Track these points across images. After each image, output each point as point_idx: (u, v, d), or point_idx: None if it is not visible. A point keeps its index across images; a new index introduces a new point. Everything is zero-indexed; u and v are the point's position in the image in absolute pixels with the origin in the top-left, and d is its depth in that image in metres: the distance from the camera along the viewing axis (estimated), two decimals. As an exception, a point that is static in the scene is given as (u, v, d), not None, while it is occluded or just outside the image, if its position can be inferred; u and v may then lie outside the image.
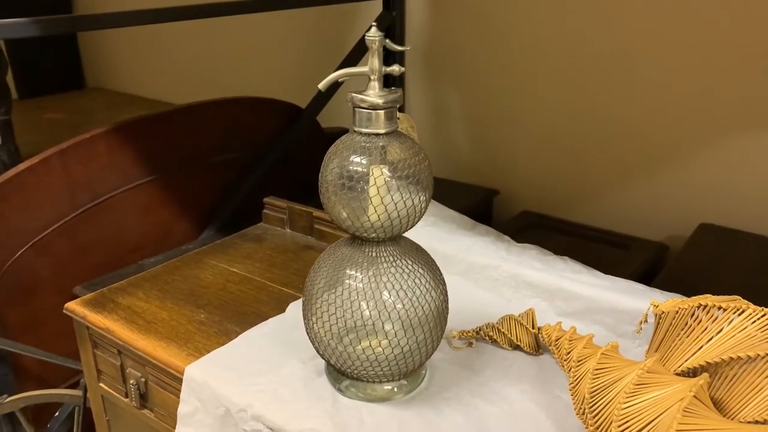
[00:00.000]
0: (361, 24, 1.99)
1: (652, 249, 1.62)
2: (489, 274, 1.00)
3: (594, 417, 0.67)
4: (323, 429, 0.73)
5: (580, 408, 0.70)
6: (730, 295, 0.73)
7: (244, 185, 1.68)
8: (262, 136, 1.75)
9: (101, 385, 1.03)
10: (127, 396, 0.97)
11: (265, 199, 1.27)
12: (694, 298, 0.73)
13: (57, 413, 1.45)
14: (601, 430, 0.65)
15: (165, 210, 1.60)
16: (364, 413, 0.77)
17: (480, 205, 1.88)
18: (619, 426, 0.61)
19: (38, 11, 1.39)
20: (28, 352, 1.27)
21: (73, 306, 0.99)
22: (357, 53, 1.89)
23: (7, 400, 1.25)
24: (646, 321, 0.81)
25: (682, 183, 1.59)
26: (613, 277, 0.94)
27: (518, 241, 1.08)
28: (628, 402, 0.62)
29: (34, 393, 1.25)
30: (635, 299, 0.89)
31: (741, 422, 0.63)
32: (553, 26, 1.67)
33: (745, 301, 0.72)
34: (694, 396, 0.59)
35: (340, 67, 1.83)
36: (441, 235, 1.07)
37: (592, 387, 0.68)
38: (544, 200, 1.84)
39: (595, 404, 0.67)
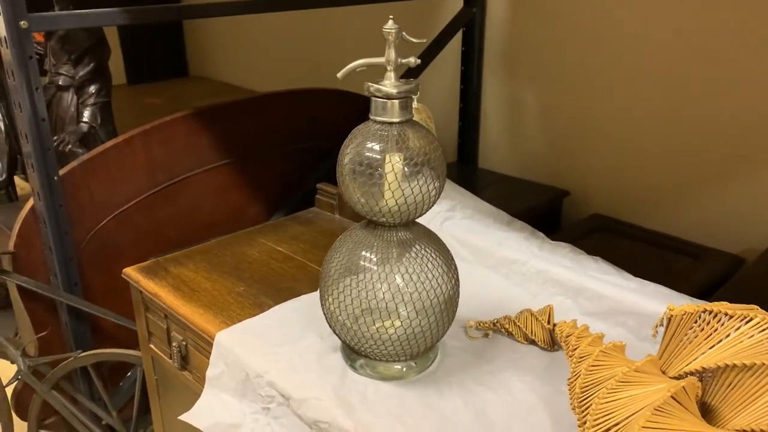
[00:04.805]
0: (442, 19, 2.01)
1: (725, 260, 1.54)
2: (518, 269, 1.00)
3: (582, 412, 0.67)
4: (325, 399, 0.77)
5: (573, 403, 0.70)
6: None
7: (315, 173, 1.75)
8: (336, 126, 1.81)
9: (151, 346, 1.12)
10: (171, 357, 1.05)
11: (318, 185, 1.33)
12: (704, 303, 0.71)
13: (129, 373, 1.57)
14: (585, 424, 0.65)
15: (238, 193, 1.70)
16: (369, 389, 0.80)
17: (549, 205, 1.86)
18: (594, 420, 0.61)
19: (150, 0, 1.50)
20: (98, 312, 1.38)
21: (129, 271, 1.08)
22: (436, 47, 1.91)
23: (81, 355, 1.37)
24: (662, 325, 0.79)
25: (762, 194, 1.51)
26: (642, 280, 0.93)
27: (585, 245, 1.08)
28: (608, 398, 0.62)
29: (102, 351, 1.37)
30: (660, 303, 0.87)
31: (727, 430, 0.61)
32: (633, 27, 1.63)
33: (762, 310, 0.69)
34: (672, 397, 0.59)
35: (420, 60, 1.86)
36: (477, 227, 1.08)
37: (584, 382, 0.68)
38: (616, 204, 1.80)
39: (584, 399, 0.67)
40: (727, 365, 0.64)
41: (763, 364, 0.62)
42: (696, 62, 1.53)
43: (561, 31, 1.79)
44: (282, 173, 1.76)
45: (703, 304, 0.70)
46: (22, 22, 1.16)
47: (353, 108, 1.82)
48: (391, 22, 0.73)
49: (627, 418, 0.59)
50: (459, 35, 1.98)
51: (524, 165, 1.99)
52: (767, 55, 1.41)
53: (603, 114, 1.76)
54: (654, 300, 0.88)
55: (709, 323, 0.69)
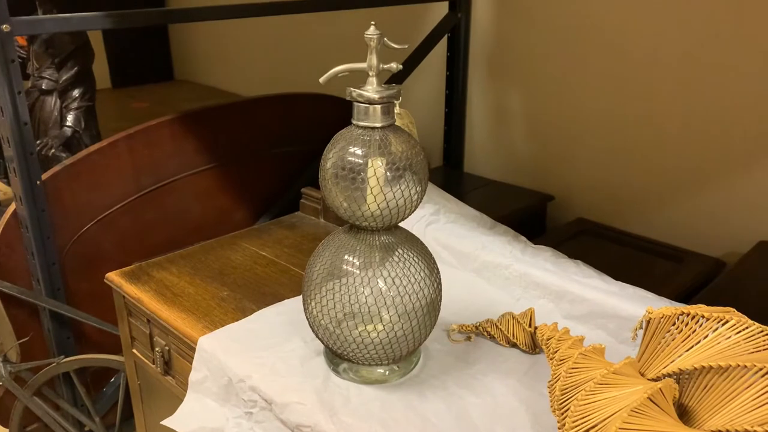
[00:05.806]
0: (428, 24, 2.02)
1: (707, 264, 1.56)
2: (501, 272, 1.01)
3: (562, 413, 0.68)
4: (308, 403, 0.78)
5: (553, 405, 0.71)
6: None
7: (300, 177, 1.75)
8: (321, 130, 1.82)
9: (134, 351, 1.11)
10: (154, 363, 1.05)
11: (303, 189, 1.33)
12: (682, 306, 0.72)
13: (113, 379, 1.56)
14: (564, 426, 0.66)
15: (224, 197, 1.69)
16: (351, 393, 0.80)
17: (534, 209, 1.87)
18: (573, 421, 0.62)
19: (135, 5, 1.49)
20: (81, 318, 1.37)
21: (112, 276, 1.08)
22: (421, 52, 1.92)
23: (64, 360, 1.36)
24: (641, 327, 0.80)
25: (743, 198, 1.53)
26: (622, 284, 0.94)
27: (569, 249, 1.09)
28: (586, 400, 0.63)
29: (85, 356, 1.36)
30: (640, 306, 0.88)
31: (703, 430, 0.62)
32: (617, 33, 1.64)
33: (739, 313, 0.70)
34: (649, 398, 0.59)
35: (405, 65, 1.87)
36: (460, 232, 1.09)
37: (564, 385, 0.69)
38: (600, 208, 1.81)
39: (563, 401, 0.68)
40: (703, 367, 0.64)
41: (738, 365, 0.63)
42: (678, 68, 1.55)
43: (546, 36, 1.80)
44: (268, 177, 1.76)
45: (680, 307, 0.71)
46: (5, 26, 1.15)
47: (339, 113, 1.81)
48: (372, 27, 0.74)
49: (605, 419, 0.60)
50: (444, 40, 1.99)
51: (509, 170, 2.01)
52: (749, 61, 1.43)
53: (587, 119, 1.78)
54: (634, 303, 0.89)
55: (687, 325, 0.69)
